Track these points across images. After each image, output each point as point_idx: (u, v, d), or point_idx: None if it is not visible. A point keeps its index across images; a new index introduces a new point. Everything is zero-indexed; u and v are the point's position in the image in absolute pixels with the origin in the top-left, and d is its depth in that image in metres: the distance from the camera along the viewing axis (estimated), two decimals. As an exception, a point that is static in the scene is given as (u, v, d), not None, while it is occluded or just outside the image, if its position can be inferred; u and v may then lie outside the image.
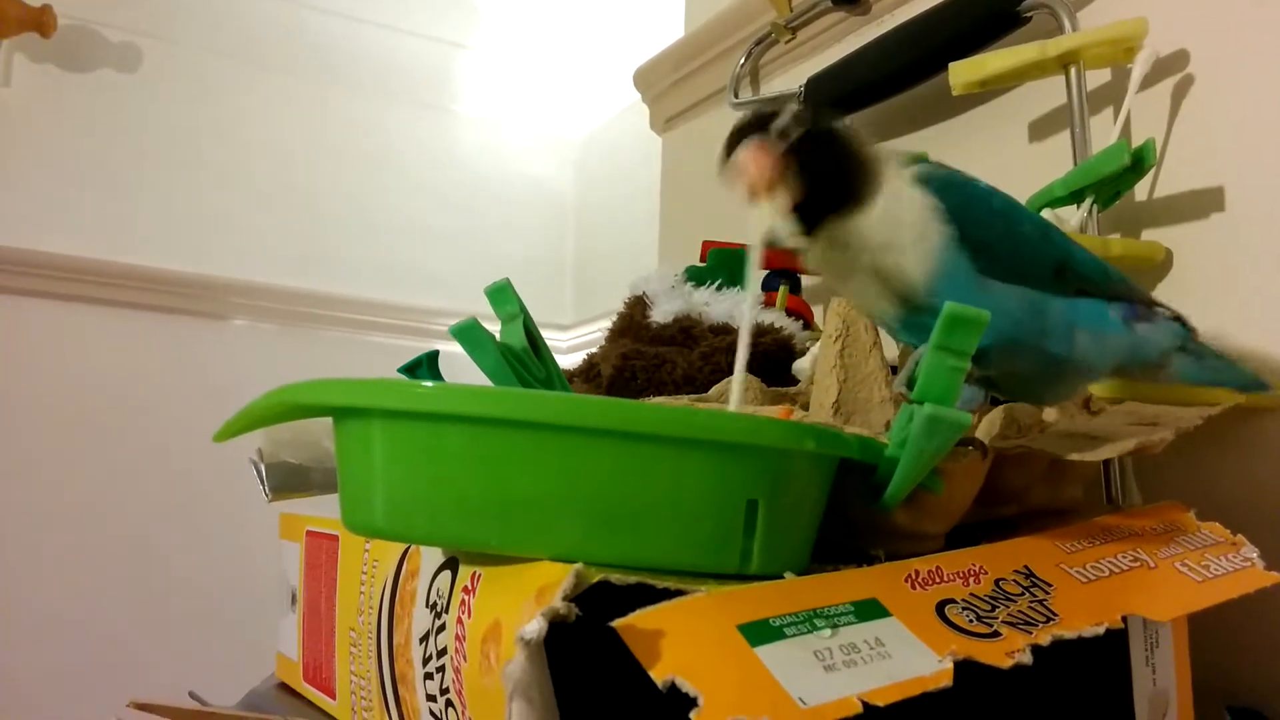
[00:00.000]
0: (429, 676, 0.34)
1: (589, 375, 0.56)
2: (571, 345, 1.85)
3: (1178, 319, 0.41)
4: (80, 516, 1.41)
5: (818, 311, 0.74)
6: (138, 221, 1.50)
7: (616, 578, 0.28)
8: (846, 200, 0.36)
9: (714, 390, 0.47)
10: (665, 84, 1.05)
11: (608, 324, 0.69)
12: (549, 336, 1.92)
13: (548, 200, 1.91)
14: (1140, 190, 0.57)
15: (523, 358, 0.42)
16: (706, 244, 0.77)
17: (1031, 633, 0.30)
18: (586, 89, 1.91)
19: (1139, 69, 0.54)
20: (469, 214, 1.79)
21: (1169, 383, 0.45)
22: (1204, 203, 0.54)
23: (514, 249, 1.84)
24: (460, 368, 0.41)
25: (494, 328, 0.42)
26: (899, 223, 0.36)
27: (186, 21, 1.57)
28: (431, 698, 0.34)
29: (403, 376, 0.52)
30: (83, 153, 1.47)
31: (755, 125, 0.36)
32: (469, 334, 0.39)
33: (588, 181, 1.91)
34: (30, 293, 1.41)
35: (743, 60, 0.90)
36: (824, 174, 0.36)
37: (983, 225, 0.36)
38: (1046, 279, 0.37)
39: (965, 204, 0.37)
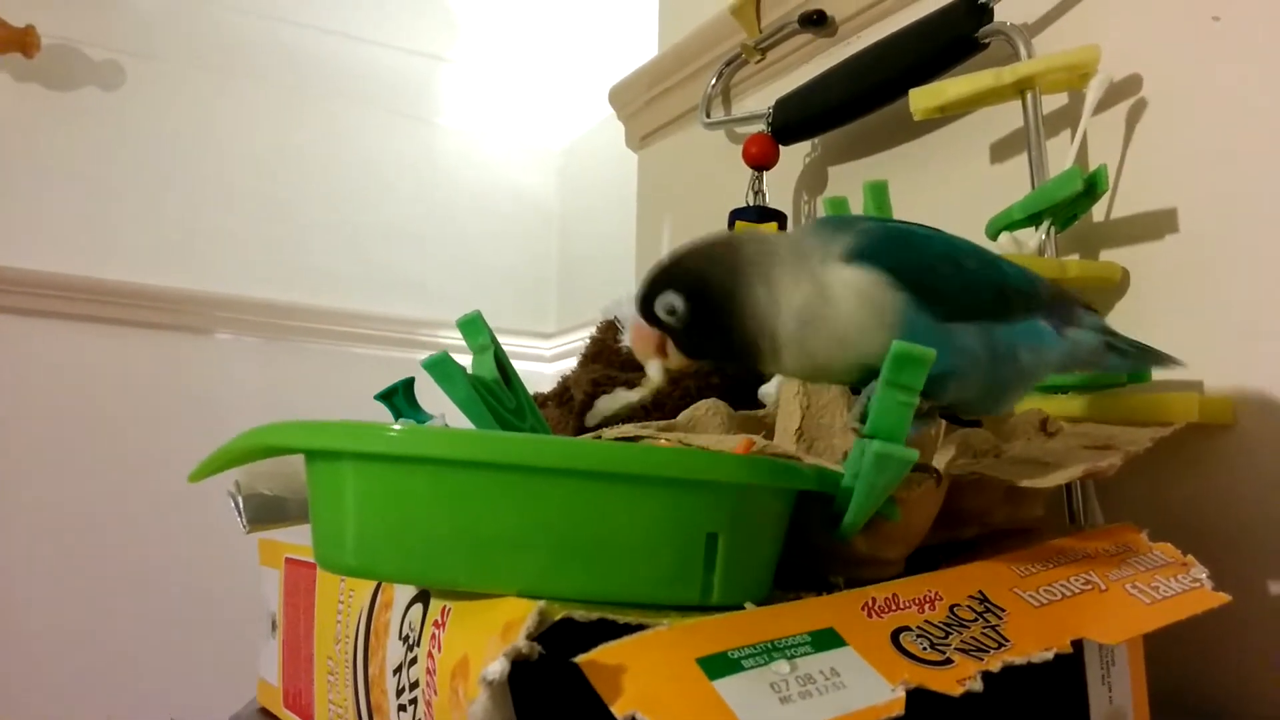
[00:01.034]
0: (402, 709, 0.35)
1: (562, 399, 0.57)
2: (555, 353, 1.86)
3: (1089, 309, 0.43)
4: (63, 535, 1.40)
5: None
6: (122, 238, 1.50)
7: (579, 614, 0.29)
8: (744, 359, 0.37)
9: (682, 416, 0.48)
10: (639, 103, 1.06)
11: (593, 331, 0.69)
12: (533, 345, 1.92)
13: (531, 210, 1.91)
14: (1097, 211, 0.58)
15: (494, 388, 0.43)
16: (680, 264, 0.78)
17: (983, 659, 0.31)
18: (568, 99, 1.91)
19: (1093, 94, 0.55)
20: (453, 225, 1.80)
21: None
22: (1159, 224, 0.55)
23: (499, 259, 1.85)
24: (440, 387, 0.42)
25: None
26: (853, 320, 0.35)
27: (169, 39, 1.57)
28: (405, 729, 0.35)
29: (380, 404, 0.53)
30: (67, 170, 1.47)
31: (644, 299, 0.37)
32: (440, 367, 0.40)
33: (571, 190, 1.92)
34: (14, 310, 1.41)
35: (714, 80, 0.91)
36: (704, 348, 0.37)
37: (935, 275, 0.36)
38: (990, 306, 0.37)
39: (914, 261, 0.36)
